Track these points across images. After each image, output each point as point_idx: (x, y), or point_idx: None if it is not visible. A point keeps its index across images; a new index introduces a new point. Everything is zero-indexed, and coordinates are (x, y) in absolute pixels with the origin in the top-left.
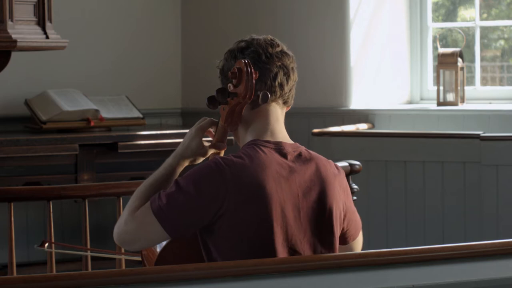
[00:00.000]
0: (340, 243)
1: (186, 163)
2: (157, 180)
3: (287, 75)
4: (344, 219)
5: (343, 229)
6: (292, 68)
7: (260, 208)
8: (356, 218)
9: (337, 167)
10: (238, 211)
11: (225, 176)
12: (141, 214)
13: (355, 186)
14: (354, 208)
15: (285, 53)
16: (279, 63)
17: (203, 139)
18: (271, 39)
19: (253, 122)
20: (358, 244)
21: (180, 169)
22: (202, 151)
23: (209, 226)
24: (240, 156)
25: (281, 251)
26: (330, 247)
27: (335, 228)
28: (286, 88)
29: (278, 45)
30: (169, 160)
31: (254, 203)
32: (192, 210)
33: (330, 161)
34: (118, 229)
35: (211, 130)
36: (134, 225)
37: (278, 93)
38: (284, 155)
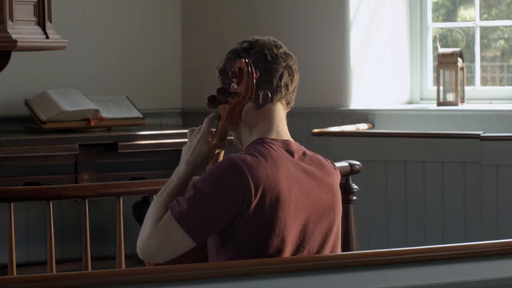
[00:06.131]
0: None
1: (198, 169)
2: (174, 189)
3: (292, 76)
4: None
5: None
6: (295, 69)
7: (276, 206)
8: None
9: (334, 166)
10: (255, 208)
11: (243, 174)
12: (164, 224)
13: (355, 186)
14: None
15: (289, 54)
16: (284, 64)
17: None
18: (274, 40)
19: (259, 122)
20: None
21: (193, 175)
22: (211, 154)
23: (228, 225)
24: (253, 154)
25: (292, 249)
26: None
27: (339, 225)
28: (291, 89)
29: (281, 47)
30: (182, 168)
31: (270, 201)
32: (214, 212)
33: (328, 160)
34: (142, 243)
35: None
36: (160, 236)
37: (284, 93)
38: (291, 153)
